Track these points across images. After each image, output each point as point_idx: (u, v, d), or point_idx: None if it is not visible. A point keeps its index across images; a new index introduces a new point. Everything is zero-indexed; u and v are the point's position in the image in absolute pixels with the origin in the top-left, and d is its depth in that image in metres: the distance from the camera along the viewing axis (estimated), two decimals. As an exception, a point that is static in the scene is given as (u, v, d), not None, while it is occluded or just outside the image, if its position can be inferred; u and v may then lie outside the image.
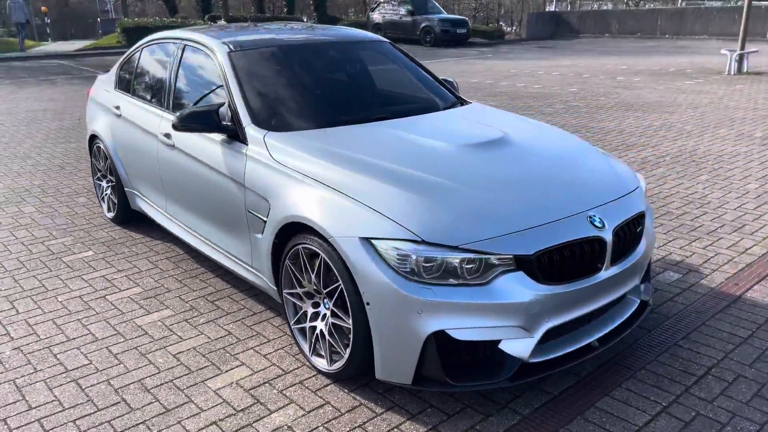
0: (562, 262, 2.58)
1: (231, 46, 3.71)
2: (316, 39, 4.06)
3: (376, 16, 26.12)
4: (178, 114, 3.34)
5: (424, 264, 2.43)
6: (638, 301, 3.05)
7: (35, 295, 3.75)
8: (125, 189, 4.66)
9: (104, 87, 5.03)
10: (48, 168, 6.73)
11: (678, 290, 3.69)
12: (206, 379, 2.88)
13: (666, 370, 2.90)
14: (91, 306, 3.60)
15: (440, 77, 4.37)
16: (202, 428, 2.54)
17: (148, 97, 4.30)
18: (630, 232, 2.85)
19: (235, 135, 3.32)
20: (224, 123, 3.34)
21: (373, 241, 2.50)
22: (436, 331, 2.43)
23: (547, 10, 36.15)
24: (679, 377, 2.84)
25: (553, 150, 3.29)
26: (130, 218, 4.81)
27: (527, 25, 30.07)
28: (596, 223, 2.68)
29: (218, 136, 3.41)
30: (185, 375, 2.91)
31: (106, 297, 3.72)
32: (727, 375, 2.85)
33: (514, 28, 37.12)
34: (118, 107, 4.61)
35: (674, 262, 4.07)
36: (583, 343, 2.75)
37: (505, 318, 2.48)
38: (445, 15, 25.33)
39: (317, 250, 2.70)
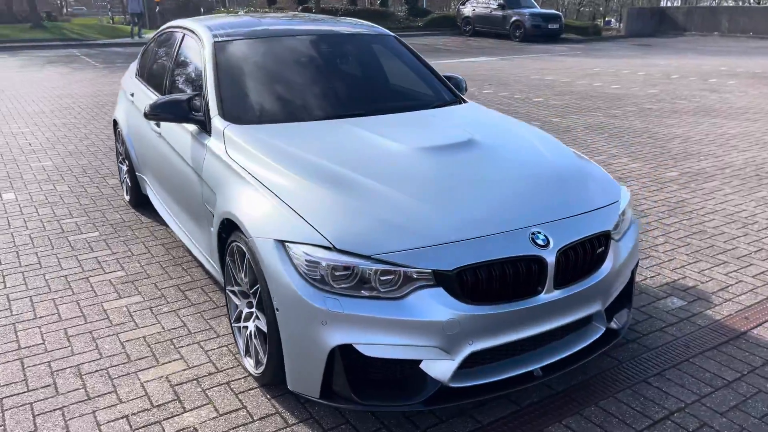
0: (490, 281, 2.34)
1: (219, 36, 3.69)
2: (312, 31, 3.97)
3: (466, 10, 25.66)
4: (150, 103, 3.35)
5: (334, 272, 2.28)
6: (603, 329, 2.74)
7: (28, 271, 3.91)
8: (136, 173, 4.78)
9: (129, 74, 5.18)
10: (98, 150, 7.06)
11: (674, 320, 3.31)
12: (140, 370, 2.87)
13: (620, 409, 2.59)
14: (71, 286, 3.70)
15: (449, 73, 4.18)
16: (111, 421, 2.52)
17: (152, 85, 4.37)
18: (585, 253, 2.56)
19: (203, 126, 3.29)
20: (194, 114, 3.32)
21: (286, 244, 2.38)
22: (342, 344, 2.28)
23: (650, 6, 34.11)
24: (632, 419, 2.53)
25: (521, 158, 3.03)
26: (143, 202, 4.93)
27: (627, 20, 28.53)
28: (538, 241, 2.42)
29: (191, 127, 3.40)
30: (122, 364, 2.92)
31: (89, 279, 3.81)
32: (690, 423, 2.51)
33: (620, 24, 35.36)
34: (132, 94, 4.73)
35: (684, 288, 3.66)
36: (523, 371, 2.50)
37: (421, 337, 2.29)
38: (537, 9, 24.49)
39: (244, 248, 2.62)
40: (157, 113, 3.30)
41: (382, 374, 2.40)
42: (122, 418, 2.54)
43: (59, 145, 7.22)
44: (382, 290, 2.28)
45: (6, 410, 2.59)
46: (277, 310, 2.40)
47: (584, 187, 2.85)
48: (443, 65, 15.08)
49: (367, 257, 2.27)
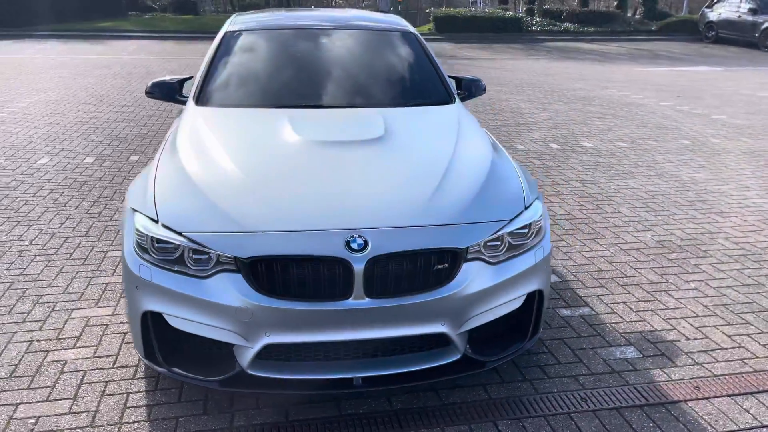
0: (287, 276, 2.34)
1: (233, 28, 4.03)
2: (325, 25, 4.11)
3: (712, 14, 22.90)
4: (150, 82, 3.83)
5: (155, 244, 2.47)
6: (458, 355, 2.53)
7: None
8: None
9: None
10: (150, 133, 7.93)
11: (596, 372, 2.86)
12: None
13: (434, 441, 2.38)
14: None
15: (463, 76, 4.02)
16: None
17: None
18: (416, 266, 2.39)
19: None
20: (181, 96, 3.71)
21: (135, 212, 2.62)
22: (151, 311, 2.47)
23: None
24: (434, 454, 2.32)
25: (418, 161, 2.91)
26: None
27: None
28: (353, 245, 2.34)
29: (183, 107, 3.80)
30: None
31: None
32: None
33: None
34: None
35: (658, 339, 3.12)
36: (339, 376, 2.45)
37: (218, 319, 2.38)
38: (798, 15, 20.93)
39: None
40: (152, 91, 3.76)
41: (195, 347, 2.53)
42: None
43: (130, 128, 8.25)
44: (192, 268, 2.41)
45: None
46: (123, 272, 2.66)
47: (462, 199, 2.62)
48: (645, 72, 13.81)
49: (180, 234, 2.42)
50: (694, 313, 3.39)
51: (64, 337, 3.06)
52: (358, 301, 2.35)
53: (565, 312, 3.38)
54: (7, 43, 16.79)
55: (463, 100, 3.97)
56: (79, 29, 20.26)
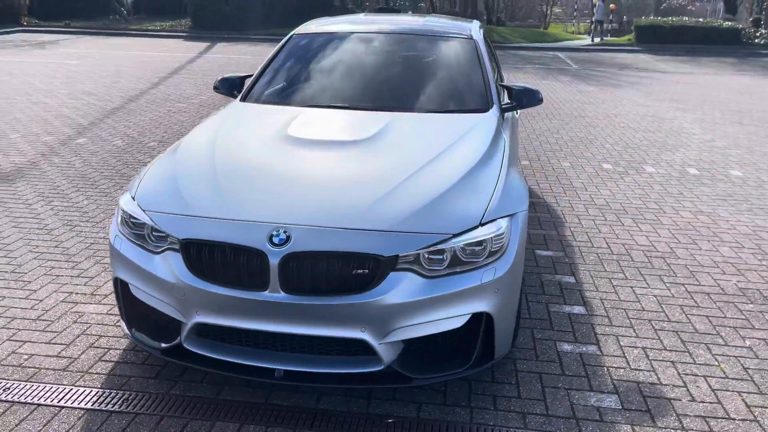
0: (212, 260, 2.48)
1: (302, 30, 4.28)
2: (385, 30, 4.17)
3: None
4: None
5: (130, 219, 2.76)
6: (380, 366, 2.48)
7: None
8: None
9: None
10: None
11: (552, 414, 2.58)
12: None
13: (330, 446, 2.36)
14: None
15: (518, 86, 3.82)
16: (63, 292, 3.54)
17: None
18: (333, 268, 2.39)
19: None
20: (237, 92, 4.02)
21: (128, 193, 2.94)
22: (120, 279, 2.77)
23: None
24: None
25: (383, 165, 2.86)
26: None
27: None
28: (275, 240, 2.42)
29: None
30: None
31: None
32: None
33: None
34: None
35: (654, 394, 2.72)
36: (262, 365, 2.54)
37: (162, 293, 2.61)
38: None
39: None
40: (219, 86, 4.13)
41: (153, 316, 2.77)
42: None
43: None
44: (151, 244, 2.66)
45: None
46: None
47: (407, 208, 2.55)
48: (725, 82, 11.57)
49: (144, 211, 2.69)
50: (724, 374, 2.88)
51: (97, 293, 3.52)
52: (273, 294, 2.41)
53: (566, 347, 3.08)
54: (231, 45, 19.12)
55: (511, 109, 3.78)
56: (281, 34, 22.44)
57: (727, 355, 3.04)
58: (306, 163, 2.88)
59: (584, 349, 3.07)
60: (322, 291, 2.41)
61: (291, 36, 4.28)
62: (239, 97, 3.88)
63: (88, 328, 3.16)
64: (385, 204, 2.57)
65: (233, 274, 2.46)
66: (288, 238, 2.42)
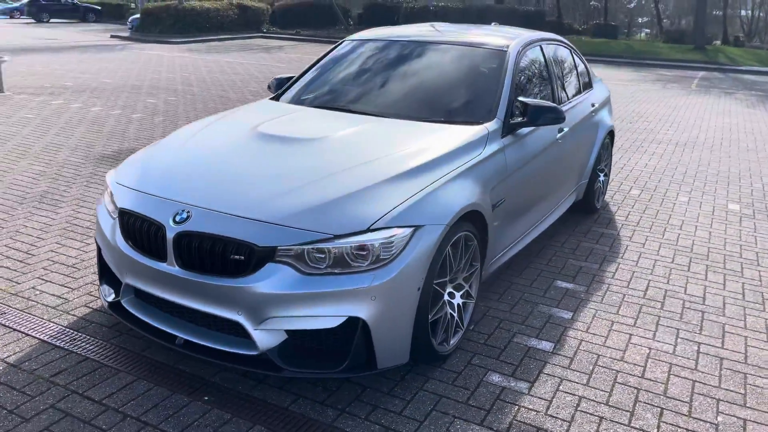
0: (130, 228, 2.82)
1: (355, 36, 4.48)
2: (425, 39, 4.17)
3: None
4: None
5: (109, 193, 3.20)
6: (256, 352, 2.59)
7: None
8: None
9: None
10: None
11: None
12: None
13: None
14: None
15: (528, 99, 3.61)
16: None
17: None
18: (216, 250, 2.57)
19: (284, 99, 4.32)
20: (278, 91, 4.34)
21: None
22: (95, 239, 3.24)
23: None
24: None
25: (314, 164, 2.94)
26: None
27: None
28: (177, 217, 2.68)
29: None
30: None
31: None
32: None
33: None
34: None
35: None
36: (166, 330, 2.81)
37: (113, 255, 3.01)
38: None
39: None
40: (271, 86, 4.49)
41: (113, 276, 3.16)
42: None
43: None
44: (111, 211, 3.07)
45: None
46: None
47: (301, 204, 2.63)
48: None
49: (112, 183, 3.12)
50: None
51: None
52: (170, 267, 2.67)
53: (495, 378, 2.88)
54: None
55: (523, 126, 3.57)
56: None
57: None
58: (248, 156, 3.08)
59: (512, 384, 2.84)
60: (207, 270, 2.61)
61: (342, 41, 4.49)
62: (273, 96, 4.19)
63: (89, 274, 3.70)
64: (286, 198, 2.67)
65: (146, 244, 2.77)
66: (188, 218, 2.65)
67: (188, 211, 2.67)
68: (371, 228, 2.55)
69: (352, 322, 2.53)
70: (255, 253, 2.52)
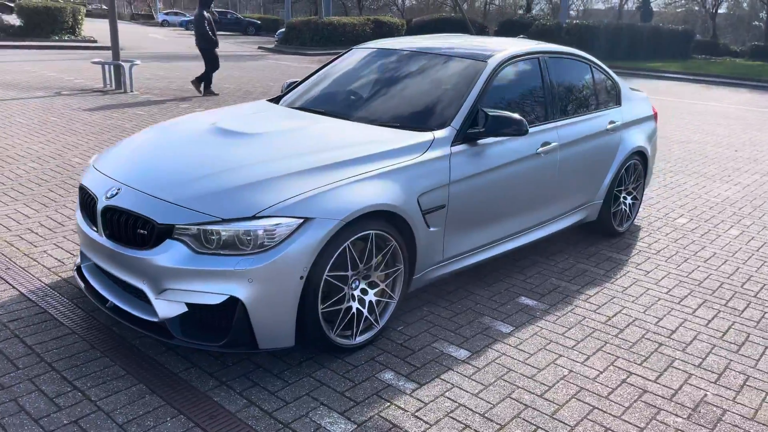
0: (84, 202, 3.23)
1: (364, 45, 4.68)
2: (417, 49, 4.27)
3: None
4: None
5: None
6: (155, 319, 2.88)
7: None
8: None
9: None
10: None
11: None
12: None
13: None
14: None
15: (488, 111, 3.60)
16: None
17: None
18: (128, 225, 2.89)
19: (288, 103, 4.63)
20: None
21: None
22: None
23: None
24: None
25: (241, 155, 3.17)
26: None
27: None
28: (108, 194, 3.04)
29: None
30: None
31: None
32: (61, 397, 2.63)
33: None
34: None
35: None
36: (105, 294, 3.18)
37: (82, 227, 3.44)
38: None
39: None
40: (282, 88, 4.80)
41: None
42: None
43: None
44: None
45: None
46: None
47: (207, 189, 2.88)
48: None
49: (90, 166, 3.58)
50: None
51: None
52: (101, 237, 3.03)
53: (388, 376, 2.93)
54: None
55: (481, 136, 3.56)
56: (633, 68, 21.71)
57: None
58: (193, 145, 3.37)
59: (399, 384, 2.87)
60: (124, 241, 2.94)
61: (349, 49, 4.71)
62: (278, 99, 4.48)
63: (99, 251, 4.20)
64: (195, 183, 2.93)
65: (90, 216, 3.16)
66: (117, 194, 3.00)
67: (119, 189, 3.02)
68: (257, 215, 2.74)
69: (233, 301, 2.73)
70: (156, 229, 2.81)
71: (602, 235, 5.03)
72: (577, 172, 4.41)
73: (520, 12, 30.11)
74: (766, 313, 3.85)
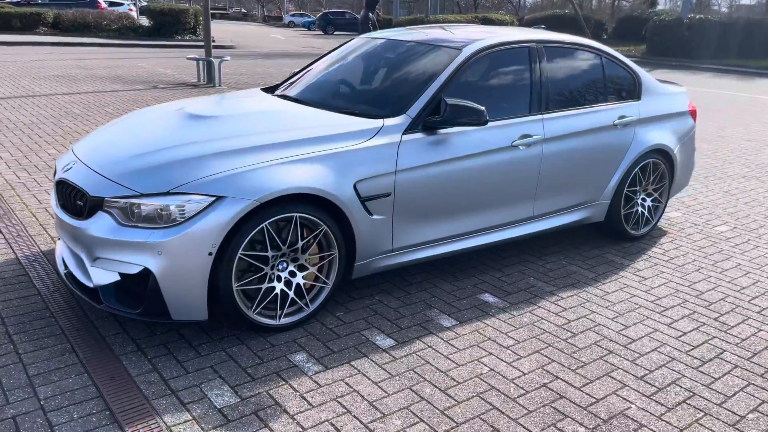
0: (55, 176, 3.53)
1: (358, 37, 4.72)
2: (401, 39, 4.24)
3: None
4: None
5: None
6: (91, 285, 3.10)
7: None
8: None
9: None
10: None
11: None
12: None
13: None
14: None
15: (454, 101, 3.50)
16: None
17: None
18: (75, 198, 3.13)
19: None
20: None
21: None
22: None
23: None
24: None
25: (193, 135, 3.31)
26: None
27: None
28: (65, 168, 3.32)
29: None
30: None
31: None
32: None
33: None
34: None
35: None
36: (65, 259, 3.46)
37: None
38: None
39: None
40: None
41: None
42: None
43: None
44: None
45: None
46: None
47: (138, 165, 3.05)
48: None
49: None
50: None
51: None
52: (59, 209, 3.31)
53: (298, 357, 2.96)
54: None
55: (440, 125, 3.48)
56: (734, 65, 19.99)
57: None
58: (154, 127, 3.55)
59: (306, 365, 2.89)
60: (69, 211, 3.19)
61: (348, 40, 4.74)
62: (273, 89, 4.61)
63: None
64: (132, 161, 3.11)
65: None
66: (70, 169, 3.26)
67: (74, 163, 3.28)
68: (170, 192, 2.87)
69: (147, 272, 2.88)
70: (88, 201, 3.02)
71: (613, 239, 4.71)
72: (572, 168, 4.17)
73: (643, 6, 28.41)
74: (759, 330, 3.45)
